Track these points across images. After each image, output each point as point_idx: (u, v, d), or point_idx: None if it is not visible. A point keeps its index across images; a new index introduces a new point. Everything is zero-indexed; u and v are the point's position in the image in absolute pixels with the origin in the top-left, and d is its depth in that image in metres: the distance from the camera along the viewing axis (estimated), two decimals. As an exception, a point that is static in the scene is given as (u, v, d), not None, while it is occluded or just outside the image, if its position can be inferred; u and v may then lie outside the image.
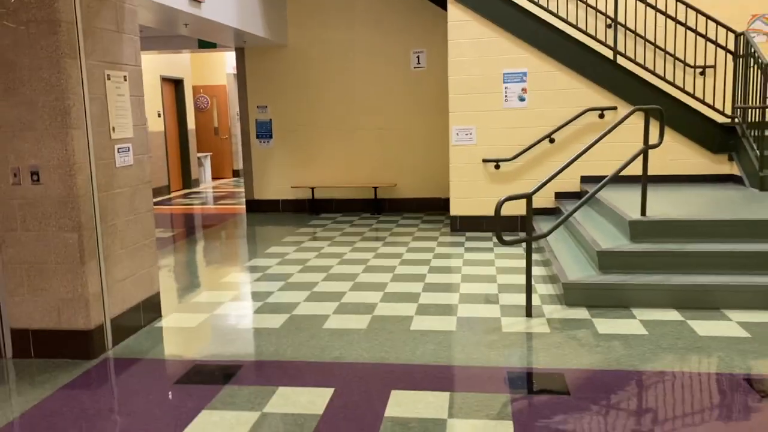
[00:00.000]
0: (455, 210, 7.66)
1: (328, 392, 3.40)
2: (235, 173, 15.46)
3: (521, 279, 5.44)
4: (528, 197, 4.40)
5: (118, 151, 4.22)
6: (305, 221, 8.83)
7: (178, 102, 13.20)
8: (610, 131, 4.89)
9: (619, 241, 5.11)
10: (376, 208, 9.36)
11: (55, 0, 3.64)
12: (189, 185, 13.41)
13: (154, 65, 12.02)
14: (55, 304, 3.93)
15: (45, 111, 3.75)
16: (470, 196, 7.58)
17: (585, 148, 4.86)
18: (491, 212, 7.51)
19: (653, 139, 5.26)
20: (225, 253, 7.17)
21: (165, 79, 12.53)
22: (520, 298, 4.89)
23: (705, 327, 4.20)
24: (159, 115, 12.27)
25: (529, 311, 4.53)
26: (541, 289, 5.18)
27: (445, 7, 7.85)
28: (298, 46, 9.40)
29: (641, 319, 4.39)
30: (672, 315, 4.45)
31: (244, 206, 10.05)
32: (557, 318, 4.48)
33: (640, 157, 5.05)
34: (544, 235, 4.63)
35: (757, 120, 6.51)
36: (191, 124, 13.53)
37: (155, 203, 11.22)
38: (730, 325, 4.22)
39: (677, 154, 7.10)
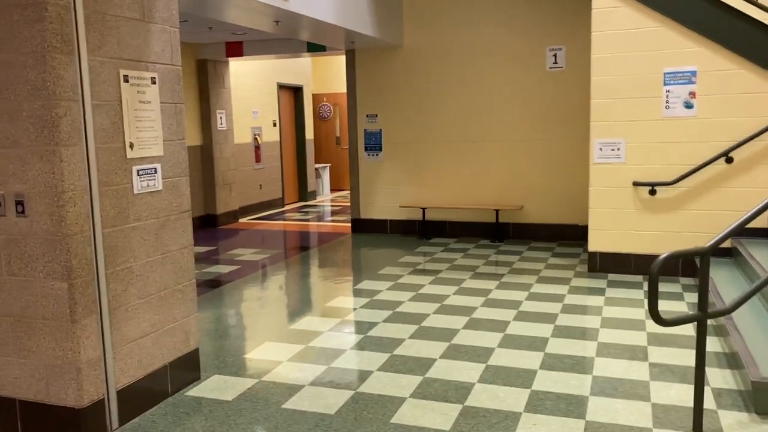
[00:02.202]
0: (595, 244, 6.11)
1: None
2: (355, 185, 14.66)
3: (685, 357, 3.88)
4: (704, 254, 2.90)
5: (138, 174, 3.29)
6: (412, 247, 7.63)
7: (297, 110, 12.58)
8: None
9: None
10: (498, 235, 7.95)
11: (40, -24, 2.76)
12: (305, 198, 12.75)
13: (270, 72, 11.45)
14: (42, 371, 3.04)
15: (30, 122, 2.87)
16: (616, 228, 6.00)
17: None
18: (643, 250, 5.89)
19: None
20: (308, 287, 6.15)
21: (282, 87, 11.95)
22: (684, 394, 3.36)
23: None
24: (275, 125, 11.69)
25: (698, 425, 3.01)
26: (714, 377, 3.60)
27: (588, -7, 6.36)
28: (413, 46, 8.25)
29: None
30: None
31: (350, 225, 9.05)
32: (745, 440, 2.93)
33: None
34: (727, 312, 3.07)
35: None
36: (309, 133, 12.86)
37: (265, 217, 10.59)
38: None
39: None
